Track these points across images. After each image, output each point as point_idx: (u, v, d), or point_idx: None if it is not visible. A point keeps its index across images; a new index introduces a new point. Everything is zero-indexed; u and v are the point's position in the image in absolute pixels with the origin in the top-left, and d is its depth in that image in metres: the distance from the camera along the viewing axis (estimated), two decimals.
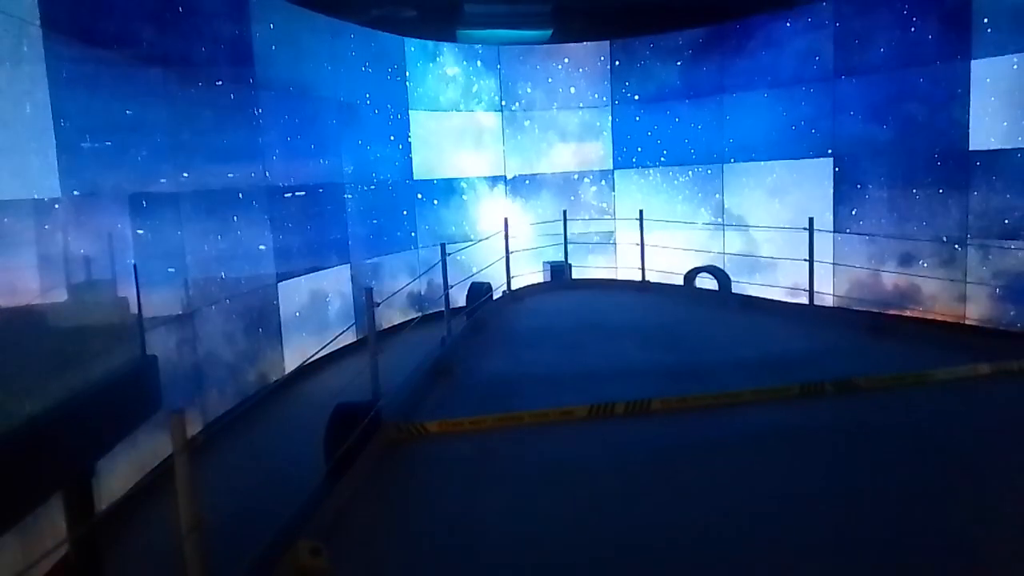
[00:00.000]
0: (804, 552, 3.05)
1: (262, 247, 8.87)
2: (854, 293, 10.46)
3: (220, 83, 8.14)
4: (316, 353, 5.73)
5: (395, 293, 10.50)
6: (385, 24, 11.37)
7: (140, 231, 6.20)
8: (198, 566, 2.65)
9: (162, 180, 6.90)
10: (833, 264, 10.66)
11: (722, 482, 3.77)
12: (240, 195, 8.43)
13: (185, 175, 7.27)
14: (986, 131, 8.95)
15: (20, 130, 4.73)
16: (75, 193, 5.17)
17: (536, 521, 3.45)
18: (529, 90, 13.28)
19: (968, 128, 9.08)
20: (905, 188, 9.97)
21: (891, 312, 9.59)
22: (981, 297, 9.19)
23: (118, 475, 5.08)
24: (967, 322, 9.19)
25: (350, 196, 10.92)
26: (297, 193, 9.71)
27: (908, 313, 9.74)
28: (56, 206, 4.85)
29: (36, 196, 4.73)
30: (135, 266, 4.79)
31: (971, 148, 9.07)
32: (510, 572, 3.07)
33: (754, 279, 11.16)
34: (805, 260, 8.39)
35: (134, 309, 4.78)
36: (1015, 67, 8.61)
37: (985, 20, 8.80)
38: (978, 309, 9.20)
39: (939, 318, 9.38)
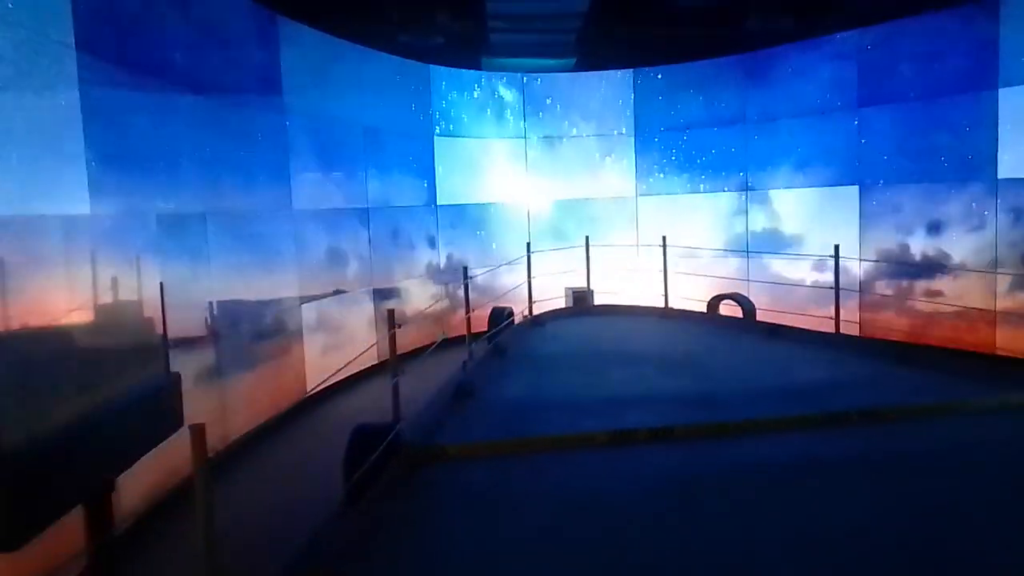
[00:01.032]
0: None
1: (286, 268, 8.96)
2: (883, 264, 10.44)
3: (249, 108, 8.29)
4: (335, 373, 5.73)
5: (412, 319, 10.53)
6: (411, 52, 11.54)
7: (167, 251, 6.30)
8: None
9: (190, 201, 7.01)
10: (859, 292, 10.55)
11: (746, 511, 3.70)
12: (266, 217, 8.55)
13: (212, 196, 7.38)
14: (1015, 159, 8.86)
15: (52, 148, 4.84)
16: (104, 212, 5.28)
17: (555, 548, 3.40)
18: (553, 117, 13.37)
19: (997, 156, 8.99)
20: (932, 214, 9.88)
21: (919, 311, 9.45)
22: (1010, 323, 9.02)
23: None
24: (997, 351, 9.01)
25: (373, 220, 11.03)
26: (325, 215, 9.83)
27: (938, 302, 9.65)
28: (85, 223, 4.94)
29: (66, 213, 4.83)
30: (161, 284, 4.84)
31: (1000, 176, 8.97)
32: None
33: (779, 257, 11.30)
34: (830, 286, 8.31)
35: (159, 327, 4.84)
36: None
37: (1015, 45, 8.76)
38: (1008, 336, 9.03)
39: (968, 347, 9.24)
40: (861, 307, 10.67)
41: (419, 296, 12.09)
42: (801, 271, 11.32)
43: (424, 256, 12.41)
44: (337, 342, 9.96)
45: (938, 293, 9.85)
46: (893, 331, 10.09)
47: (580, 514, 3.76)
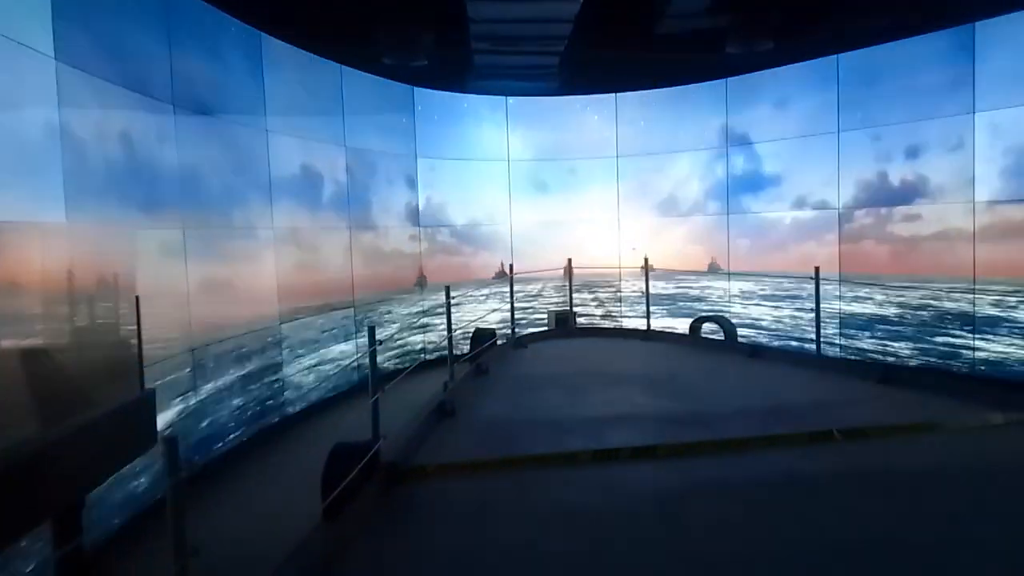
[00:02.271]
0: None
1: (267, 286, 8.88)
2: (862, 194, 10.59)
3: (232, 125, 8.26)
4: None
5: (394, 335, 10.45)
6: (395, 73, 11.58)
7: (144, 264, 6.21)
8: None
9: (168, 215, 6.94)
10: (840, 312, 10.61)
11: (729, 527, 3.66)
12: (248, 234, 8.49)
13: (193, 212, 7.31)
14: (991, 182, 9.00)
15: (28, 157, 4.78)
16: (80, 221, 5.21)
17: (537, 564, 3.34)
18: (536, 139, 13.43)
19: (973, 178, 9.13)
20: (910, 237, 10.01)
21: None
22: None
23: None
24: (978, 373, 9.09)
25: (355, 240, 10.99)
26: (304, 233, 9.78)
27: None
28: (60, 232, 4.86)
29: (40, 220, 4.75)
30: (137, 298, 4.75)
31: (976, 199, 9.10)
32: None
33: (759, 198, 11.79)
34: (810, 296, 8.35)
35: (134, 341, 4.74)
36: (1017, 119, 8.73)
37: (987, 71, 8.94)
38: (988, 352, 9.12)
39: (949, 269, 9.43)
40: (841, 239, 10.78)
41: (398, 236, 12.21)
42: (780, 211, 11.65)
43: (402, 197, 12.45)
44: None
45: (916, 217, 9.98)
46: (872, 263, 10.38)
47: (563, 530, 3.70)
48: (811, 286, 8.29)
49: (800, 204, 11.42)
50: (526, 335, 10.28)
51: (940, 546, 3.35)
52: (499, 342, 9.50)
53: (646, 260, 10.26)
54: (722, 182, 12.45)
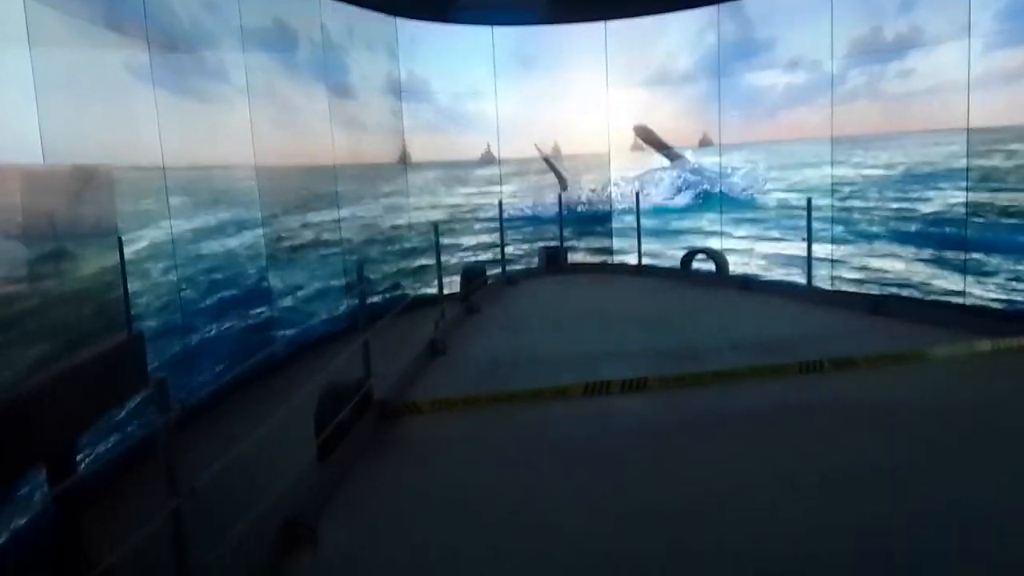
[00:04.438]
0: (804, 531, 2.97)
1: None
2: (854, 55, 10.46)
3: (208, 60, 8.02)
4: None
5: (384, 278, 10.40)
6: (376, 3, 11.20)
7: (124, 205, 6.09)
8: (181, 537, 2.57)
9: (146, 152, 6.78)
10: (832, 262, 10.61)
11: (719, 457, 3.69)
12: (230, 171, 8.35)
13: (169, 149, 7.14)
14: (986, 109, 8.90)
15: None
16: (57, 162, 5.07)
17: (531, 495, 3.37)
18: (524, 73, 13.13)
19: (968, 105, 9.02)
20: (907, 165, 9.95)
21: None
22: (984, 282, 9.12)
23: None
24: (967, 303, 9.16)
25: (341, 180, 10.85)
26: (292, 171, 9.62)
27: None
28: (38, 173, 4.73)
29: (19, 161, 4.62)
30: (120, 239, 4.66)
31: (971, 126, 9.01)
32: (506, 548, 2.99)
33: (751, 66, 11.64)
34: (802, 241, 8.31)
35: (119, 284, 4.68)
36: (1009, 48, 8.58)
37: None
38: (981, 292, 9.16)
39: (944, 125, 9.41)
40: (833, 101, 10.70)
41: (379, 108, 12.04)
42: (772, 77, 11.55)
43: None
44: None
45: (912, 71, 9.84)
46: (867, 123, 10.33)
47: (555, 462, 3.73)
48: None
49: (792, 68, 11.18)
50: (517, 272, 10.25)
51: (928, 475, 3.38)
52: (489, 281, 9.48)
53: (637, 196, 10.16)
54: (713, 49, 12.11)
